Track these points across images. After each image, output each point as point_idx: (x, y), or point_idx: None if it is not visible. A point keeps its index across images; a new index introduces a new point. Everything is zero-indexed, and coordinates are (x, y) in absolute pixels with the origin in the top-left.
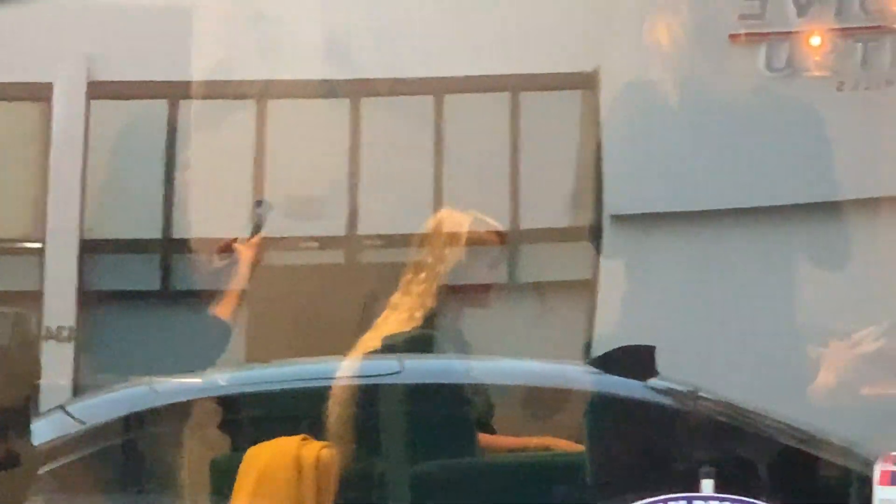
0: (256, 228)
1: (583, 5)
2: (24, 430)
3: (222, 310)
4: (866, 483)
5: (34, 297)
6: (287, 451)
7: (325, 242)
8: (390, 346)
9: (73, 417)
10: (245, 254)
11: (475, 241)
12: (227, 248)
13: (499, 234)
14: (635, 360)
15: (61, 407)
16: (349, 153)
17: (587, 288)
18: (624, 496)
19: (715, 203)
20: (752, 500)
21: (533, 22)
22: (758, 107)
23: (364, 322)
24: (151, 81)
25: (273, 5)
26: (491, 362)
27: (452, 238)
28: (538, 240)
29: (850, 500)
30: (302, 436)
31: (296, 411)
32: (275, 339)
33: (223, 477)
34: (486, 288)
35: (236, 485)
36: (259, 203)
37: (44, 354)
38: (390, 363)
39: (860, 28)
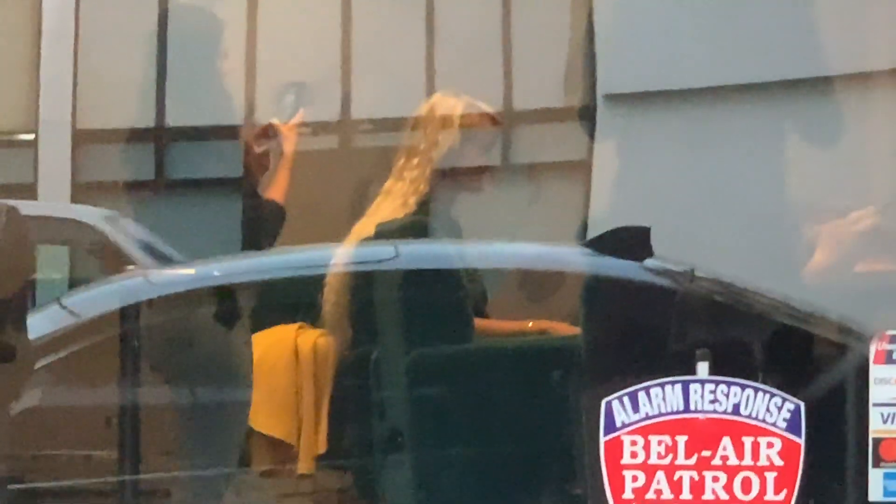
0: (292, 112)
1: None
2: (21, 325)
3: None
4: (863, 360)
5: (28, 190)
6: (284, 339)
7: (319, 128)
8: (385, 233)
9: (69, 311)
10: (286, 137)
11: (468, 125)
12: (264, 134)
13: (491, 117)
14: (631, 241)
15: (57, 300)
16: (341, 37)
17: (581, 168)
18: (620, 379)
19: (708, 80)
20: (746, 381)
21: None
22: None
23: (358, 208)
24: None
25: None
26: (486, 246)
27: (445, 122)
28: (531, 121)
29: (847, 378)
30: (299, 324)
31: (292, 299)
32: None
33: (221, 367)
34: (480, 171)
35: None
36: (289, 88)
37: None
38: (385, 249)
39: None
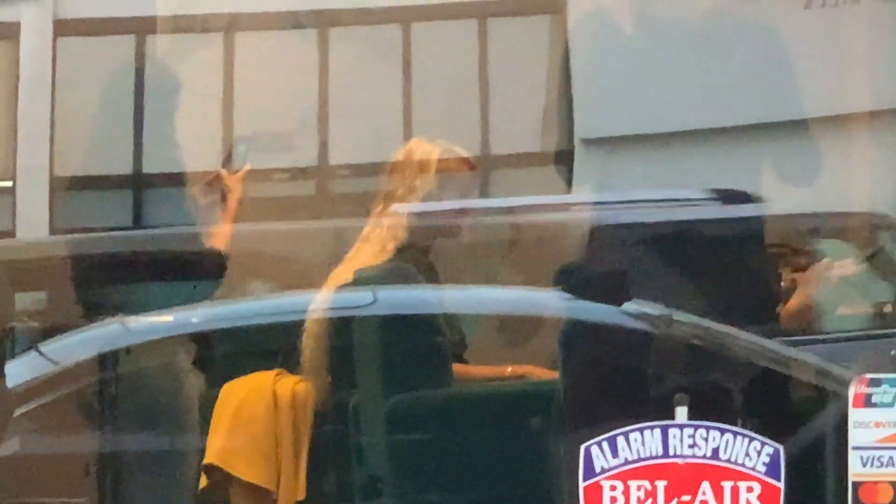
0: (240, 163)
1: None
2: None
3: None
4: (842, 404)
5: (6, 237)
6: (262, 386)
7: (297, 174)
8: (363, 279)
9: (46, 358)
10: (230, 188)
11: (444, 170)
12: (212, 183)
13: (467, 161)
14: (609, 285)
15: (34, 348)
16: (318, 84)
17: (559, 212)
18: (599, 424)
19: (685, 124)
20: (726, 426)
21: None
22: (725, 26)
23: (336, 255)
24: (117, 18)
25: None
26: (464, 291)
27: (422, 167)
28: (509, 165)
29: (826, 421)
30: (277, 370)
31: (270, 346)
32: (248, 273)
33: (199, 413)
34: (459, 216)
35: (213, 421)
36: (241, 141)
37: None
38: (363, 295)
39: None
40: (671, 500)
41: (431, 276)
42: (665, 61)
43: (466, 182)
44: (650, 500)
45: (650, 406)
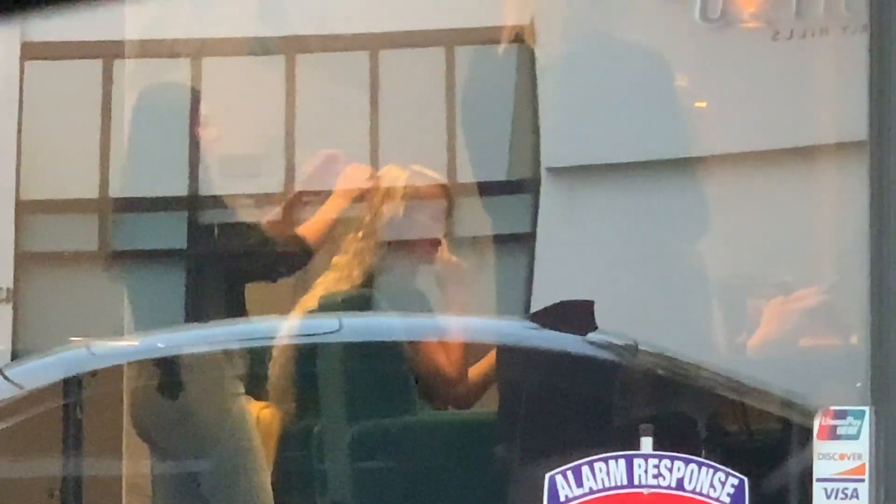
0: None
1: None
2: None
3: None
4: (807, 435)
5: None
6: None
7: (262, 200)
8: (328, 305)
9: (11, 382)
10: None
11: (413, 196)
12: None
13: (441, 186)
14: (574, 315)
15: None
16: (285, 110)
17: (525, 241)
18: (564, 453)
19: (651, 154)
20: (690, 457)
21: None
22: (692, 57)
23: (303, 281)
24: (85, 41)
25: None
26: (430, 319)
27: (388, 193)
28: (475, 193)
29: (791, 453)
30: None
31: (236, 371)
32: (213, 298)
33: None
34: (425, 243)
35: None
36: None
37: None
38: (329, 321)
39: None
40: None
41: (398, 302)
42: (632, 90)
43: (438, 207)
44: None
45: (615, 436)
